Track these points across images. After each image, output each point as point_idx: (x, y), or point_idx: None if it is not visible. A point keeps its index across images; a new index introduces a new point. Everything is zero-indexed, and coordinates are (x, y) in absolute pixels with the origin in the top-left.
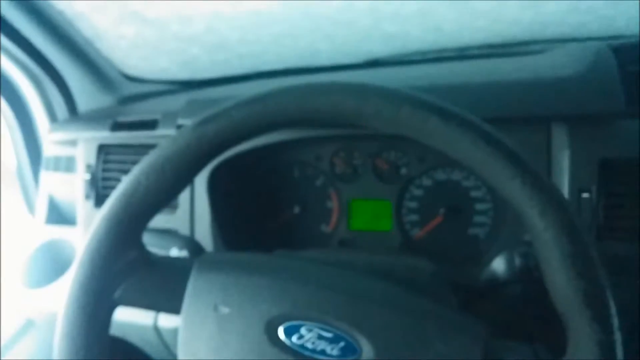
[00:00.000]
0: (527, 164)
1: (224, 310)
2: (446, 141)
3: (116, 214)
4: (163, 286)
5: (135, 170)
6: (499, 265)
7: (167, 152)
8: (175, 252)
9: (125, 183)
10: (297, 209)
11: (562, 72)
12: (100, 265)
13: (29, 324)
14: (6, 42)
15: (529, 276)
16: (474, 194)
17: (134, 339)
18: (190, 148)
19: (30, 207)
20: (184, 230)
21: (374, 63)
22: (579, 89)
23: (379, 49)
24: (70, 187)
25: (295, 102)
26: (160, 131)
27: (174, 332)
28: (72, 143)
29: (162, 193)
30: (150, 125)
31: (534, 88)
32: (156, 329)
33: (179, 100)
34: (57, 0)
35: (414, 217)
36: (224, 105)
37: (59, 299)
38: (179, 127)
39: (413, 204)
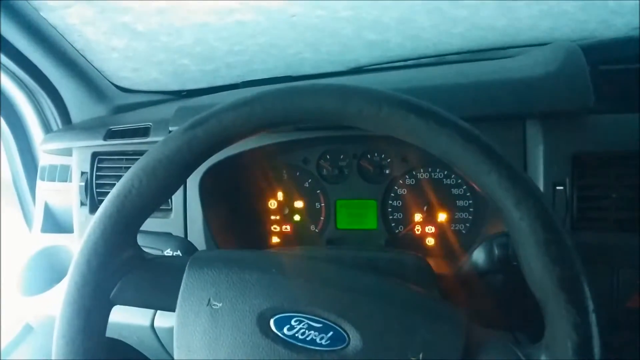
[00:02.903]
0: (502, 157)
1: (217, 304)
2: (425, 138)
3: (111, 215)
4: (158, 284)
5: (129, 173)
6: (479, 255)
7: (158, 155)
8: (169, 252)
9: (119, 185)
10: (286, 210)
11: (535, 71)
12: (96, 265)
13: (27, 329)
14: (0, 56)
15: (508, 266)
16: (454, 191)
17: (130, 339)
18: (181, 150)
19: (27, 216)
20: (178, 233)
21: (357, 70)
22: (551, 87)
23: (362, 57)
24: (66, 196)
25: (280, 104)
26: (152, 138)
27: (171, 331)
28: (67, 152)
29: (154, 194)
30: (143, 132)
31: (508, 87)
32: (152, 329)
33: (170, 108)
34: (50, 13)
35: (398, 215)
36: (213, 109)
37: (56, 304)
38: (169, 132)
39: (397, 203)
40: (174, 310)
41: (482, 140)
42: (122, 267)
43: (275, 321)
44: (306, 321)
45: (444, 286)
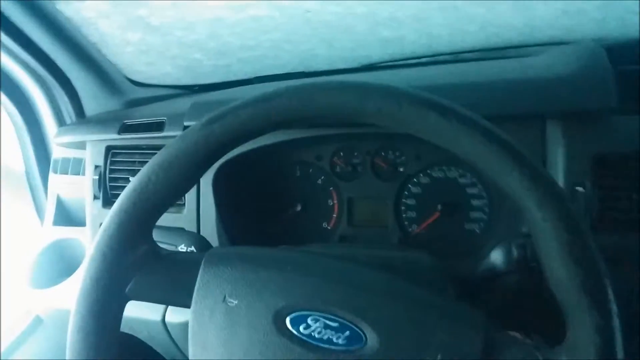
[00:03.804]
0: (525, 157)
1: (233, 302)
2: (446, 137)
3: (127, 210)
4: (173, 280)
5: (145, 168)
6: (496, 256)
7: (175, 150)
8: (183, 248)
9: (135, 180)
10: (298, 207)
11: (557, 70)
12: (111, 259)
13: (37, 321)
14: (16, 48)
15: (526, 267)
16: (470, 190)
17: (141, 334)
18: (197, 146)
19: (38, 209)
20: (191, 228)
21: (371, 67)
22: (573, 87)
23: (375, 54)
24: (78, 189)
25: (298, 101)
26: (166, 133)
27: (182, 326)
28: (80, 145)
29: (170, 190)
30: (157, 127)
31: (530, 86)
32: (164, 324)
33: (183, 103)
34: (65, 6)
35: (412, 214)
36: (231, 105)
37: (67, 297)
38: (185, 128)
39: (411, 201)
40: (188, 307)
41: (505, 139)
42: (137, 262)
43: (291, 319)
44: (322, 320)
45: (458, 287)
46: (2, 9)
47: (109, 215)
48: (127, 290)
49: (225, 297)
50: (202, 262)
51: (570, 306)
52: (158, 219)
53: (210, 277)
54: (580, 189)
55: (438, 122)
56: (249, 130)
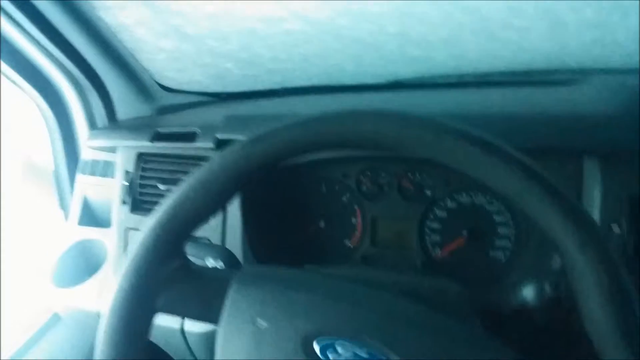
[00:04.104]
0: (567, 198)
1: (262, 323)
2: (486, 172)
3: (164, 224)
4: (203, 296)
5: (184, 184)
6: (528, 292)
7: (215, 167)
8: (211, 261)
9: (174, 195)
10: (322, 223)
11: (597, 106)
12: (145, 273)
13: (55, 319)
14: (55, 51)
15: (559, 305)
16: (497, 218)
17: (159, 341)
18: (237, 165)
19: (64, 208)
20: (216, 238)
21: (397, 84)
22: (613, 125)
23: (403, 71)
24: (105, 191)
25: (340, 127)
26: (198, 144)
27: (200, 336)
28: (110, 149)
29: (208, 206)
30: (189, 137)
31: (569, 121)
32: (182, 332)
33: (214, 112)
34: (105, 12)
35: (436, 237)
36: (271, 128)
37: (87, 297)
38: (216, 140)
39: (436, 225)
40: (216, 324)
41: (546, 178)
42: (170, 276)
43: (319, 345)
44: (351, 348)
45: (486, 319)
46: (44, 12)
47: (145, 229)
48: (157, 304)
49: (254, 318)
50: (233, 281)
51: (607, 353)
52: (192, 234)
53: (239, 297)
54: (616, 228)
55: (479, 158)
56: (288, 152)
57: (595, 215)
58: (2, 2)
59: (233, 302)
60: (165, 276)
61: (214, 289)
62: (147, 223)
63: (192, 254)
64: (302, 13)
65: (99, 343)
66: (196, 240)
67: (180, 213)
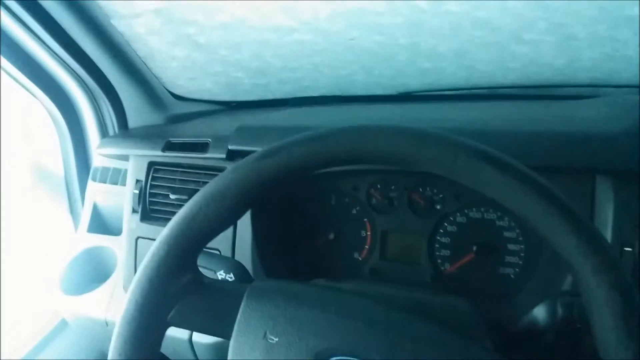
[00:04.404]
0: (583, 221)
1: (273, 339)
2: (501, 192)
3: (176, 237)
4: (215, 310)
5: (197, 197)
6: (540, 312)
7: (228, 181)
8: (222, 274)
9: (186, 208)
10: (332, 236)
11: (610, 124)
12: (157, 285)
13: (62, 324)
14: (68, 58)
15: (571, 327)
16: (507, 234)
17: (167, 351)
18: (250, 179)
19: (74, 214)
20: (226, 250)
21: (407, 95)
22: (625, 143)
23: (413, 83)
24: (115, 198)
25: (353, 142)
26: (210, 154)
27: (207, 347)
28: (122, 157)
29: (220, 220)
30: (201, 147)
31: (581, 140)
32: (190, 343)
33: (225, 122)
34: (119, 21)
35: (445, 252)
36: (285, 141)
37: (95, 305)
38: (229, 152)
39: (446, 240)
40: (228, 338)
41: (563, 201)
42: (182, 289)
43: None
44: None
45: (496, 338)
46: (58, 20)
47: (158, 241)
48: (169, 316)
49: (266, 333)
50: (245, 296)
51: None
52: (204, 247)
53: (251, 312)
54: (628, 249)
55: (494, 177)
56: (301, 167)
57: (608, 235)
58: (17, 11)
59: (244, 317)
60: (177, 289)
61: (226, 304)
62: (159, 236)
63: (203, 265)
64: (313, 24)
65: (110, 354)
66: (207, 252)
67: (193, 225)
